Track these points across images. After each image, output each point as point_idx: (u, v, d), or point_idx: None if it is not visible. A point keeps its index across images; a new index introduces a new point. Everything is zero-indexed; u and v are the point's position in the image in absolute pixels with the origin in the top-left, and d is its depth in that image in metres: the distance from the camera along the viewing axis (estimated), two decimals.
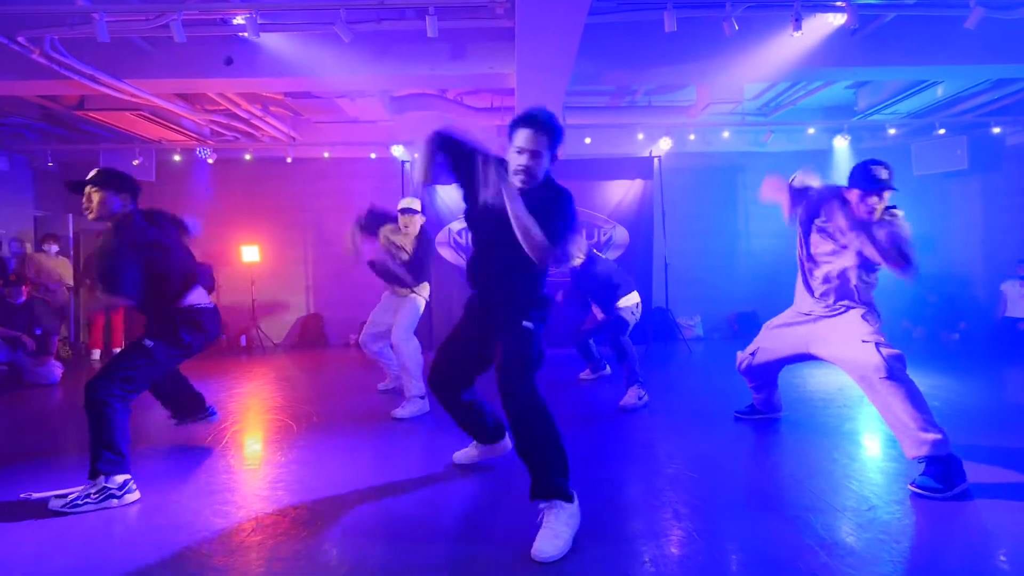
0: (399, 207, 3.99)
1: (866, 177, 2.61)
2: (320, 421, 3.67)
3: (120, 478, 2.35)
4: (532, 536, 1.88)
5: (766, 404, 3.50)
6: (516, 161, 2.07)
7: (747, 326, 7.90)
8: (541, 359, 2.15)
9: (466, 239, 6.93)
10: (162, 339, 2.58)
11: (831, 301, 2.83)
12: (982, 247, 7.69)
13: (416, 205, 3.98)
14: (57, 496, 2.31)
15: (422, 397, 3.75)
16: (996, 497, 2.25)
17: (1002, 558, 1.79)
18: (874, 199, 2.61)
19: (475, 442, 2.73)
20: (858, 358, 2.55)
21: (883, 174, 2.59)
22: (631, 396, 3.89)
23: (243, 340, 7.77)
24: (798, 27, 3.99)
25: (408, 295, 3.99)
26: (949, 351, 6.33)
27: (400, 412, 3.68)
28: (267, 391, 4.80)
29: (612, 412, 3.81)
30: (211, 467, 2.81)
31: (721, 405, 3.90)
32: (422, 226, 4.02)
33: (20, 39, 4.15)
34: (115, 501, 2.32)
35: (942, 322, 7.23)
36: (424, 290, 4.05)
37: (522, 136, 2.06)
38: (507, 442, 2.70)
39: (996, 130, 6.99)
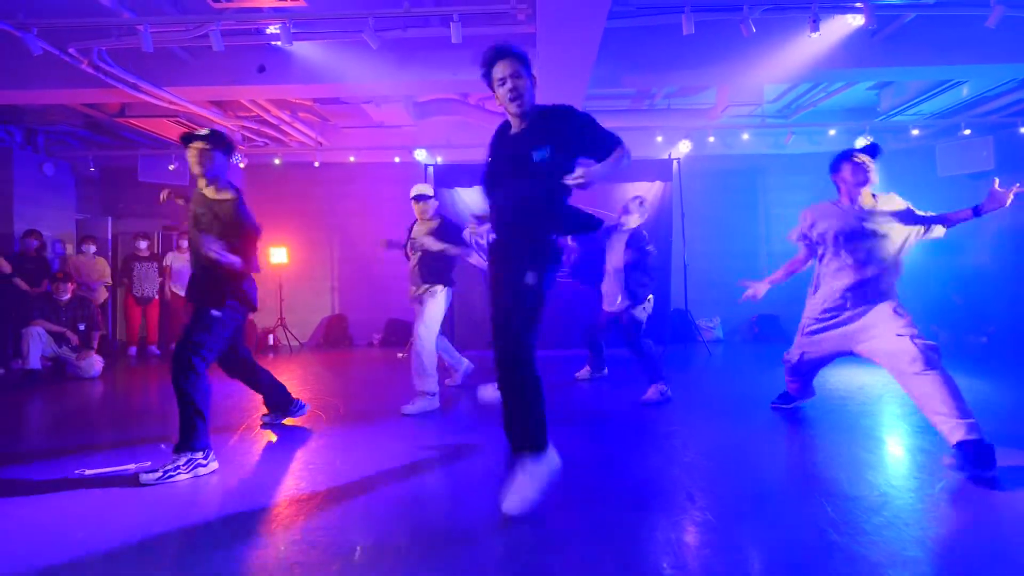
0: (411, 195, 4.13)
1: (846, 152, 3.00)
2: (346, 413, 3.82)
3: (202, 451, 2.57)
4: (548, 516, 1.98)
5: (801, 391, 3.60)
6: (503, 91, 2.18)
7: (768, 328, 7.89)
8: (538, 311, 2.14)
9: (488, 239, 7.04)
10: (225, 306, 2.78)
11: (860, 296, 2.90)
12: (1010, 249, 7.56)
13: (428, 191, 4.13)
14: (147, 471, 2.49)
15: (432, 394, 3.79)
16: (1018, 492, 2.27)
17: None
18: (860, 157, 2.91)
19: None
20: (895, 351, 2.65)
21: (860, 143, 2.84)
22: (653, 392, 3.96)
23: (271, 339, 8.00)
24: (815, 28, 4.04)
25: (424, 291, 3.96)
26: (976, 355, 6.24)
27: (409, 408, 3.72)
28: (295, 386, 4.97)
29: (620, 408, 3.88)
30: (245, 450, 2.96)
31: (739, 403, 3.95)
32: (443, 216, 4.14)
33: (71, 50, 4.42)
34: (202, 470, 2.54)
35: (969, 325, 7.11)
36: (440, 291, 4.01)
37: (498, 68, 2.19)
38: None
39: (1023, 130, 6.89)
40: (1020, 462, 2.58)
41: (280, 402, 3.45)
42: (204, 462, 2.55)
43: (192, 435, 2.53)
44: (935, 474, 2.44)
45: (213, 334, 2.70)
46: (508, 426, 2.13)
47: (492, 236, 2.35)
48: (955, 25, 4.70)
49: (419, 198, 4.08)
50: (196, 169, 2.76)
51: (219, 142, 2.77)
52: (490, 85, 2.24)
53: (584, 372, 4.97)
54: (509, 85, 2.16)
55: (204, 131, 2.78)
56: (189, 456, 2.52)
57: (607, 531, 1.94)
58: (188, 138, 2.77)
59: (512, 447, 2.12)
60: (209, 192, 2.79)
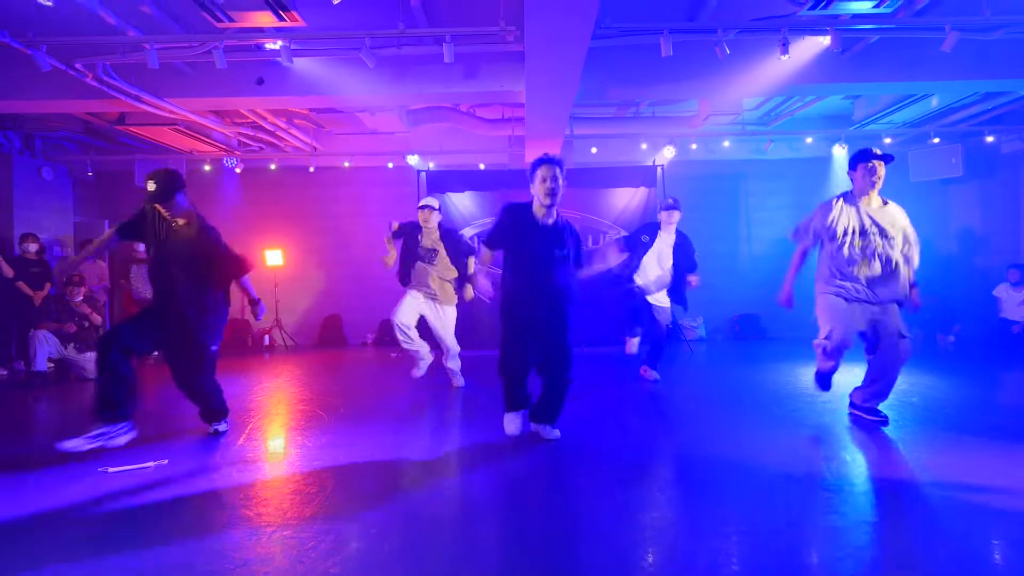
0: (419, 205, 4.64)
1: (864, 153, 3.30)
2: (347, 412, 4.06)
3: None
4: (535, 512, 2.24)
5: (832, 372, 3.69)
6: (544, 187, 3.04)
7: (748, 328, 8.20)
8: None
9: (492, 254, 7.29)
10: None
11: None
12: (977, 251, 7.94)
13: (434, 203, 4.64)
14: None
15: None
16: (986, 494, 2.38)
17: (996, 551, 1.97)
18: (873, 162, 3.24)
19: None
20: (899, 348, 3.38)
21: (877, 151, 3.25)
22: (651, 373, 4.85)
23: (266, 340, 8.21)
24: (785, 51, 4.32)
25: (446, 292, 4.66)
26: (944, 353, 6.58)
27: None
28: (294, 386, 5.20)
29: (621, 411, 4.15)
30: (252, 449, 3.20)
31: (723, 404, 4.22)
32: (442, 225, 4.68)
33: (77, 65, 4.60)
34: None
35: (938, 325, 7.47)
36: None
37: (545, 170, 3.03)
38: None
39: (990, 139, 7.25)
40: (979, 462, 2.88)
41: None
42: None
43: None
44: (890, 467, 2.73)
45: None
46: (546, 407, 3.25)
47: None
48: (917, 46, 5.00)
49: (425, 207, 4.59)
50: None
51: (170, 183, 3.15)
52: (532, 178, 3.09)
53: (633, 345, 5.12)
54: (550, 184, 3.00)
55: (151, 183, 3.11)
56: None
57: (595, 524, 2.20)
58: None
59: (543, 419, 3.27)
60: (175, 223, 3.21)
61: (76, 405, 4.65)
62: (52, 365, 5.92)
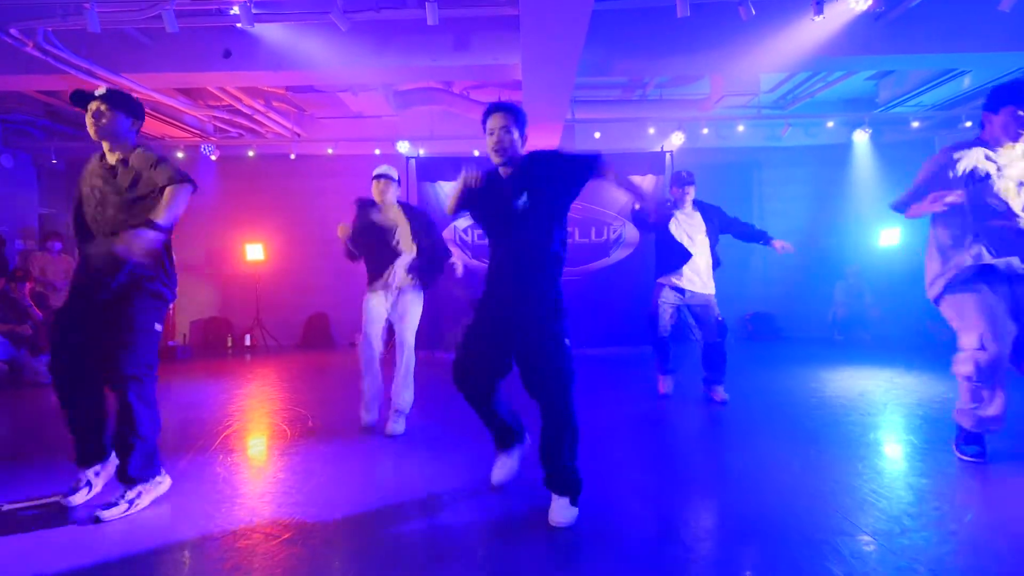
0: (374, 173, 3.45)
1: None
2: (315, 426, 3.53)
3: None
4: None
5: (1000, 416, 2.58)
6: (491, 141, 2.27)
7: (762, 327, 7.67)
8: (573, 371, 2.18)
9: (473, 237, 6.76)
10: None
11: None
12: None
13: (393, 173, 3.45)
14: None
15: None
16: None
17: None
18: None
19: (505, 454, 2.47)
20: None
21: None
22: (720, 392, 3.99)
23: (247, 340, 7.69)
24: (819, 11, 3.77)
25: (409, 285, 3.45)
26: None
27: (395, 428, 3.32)
28: (266, 393, 4.67)
29: (631, 421, 3.63)
30: (203, 472, 2.67)
31: (732, 411, 3.70)
32: (423, 211, 3.63)
33: (12, 31, 4.06)
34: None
35: None
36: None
37: (493, 119, 2.28)
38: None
39: None
40: None
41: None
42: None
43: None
44: (957, 504, 2.20)
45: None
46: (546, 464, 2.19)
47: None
48: (962, 10, 4.46)
49: (380, 177, 3.44)
50: (96, 134, 2.33)
51: (119, 102, 2.35)
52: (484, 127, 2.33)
53: (668, 383, 4.26)
54: (498, 137, 2.26)
55: (101, 89, 2.35)
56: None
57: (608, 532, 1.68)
58: (79, 97, 2.35)
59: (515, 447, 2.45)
60: (113, 157, 2.36)
61: (19, 415, 4.12)
62: (5, 367, 5.41)
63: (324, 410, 3.99)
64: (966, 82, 6.32)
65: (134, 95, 2.49)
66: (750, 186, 7.93)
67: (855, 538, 1.93)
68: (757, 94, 6.81)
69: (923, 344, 6.51)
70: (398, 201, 3.50)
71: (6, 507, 2.29)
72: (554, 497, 2.13)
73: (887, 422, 3.42)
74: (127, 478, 2.24)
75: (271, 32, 4.58)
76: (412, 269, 3.40)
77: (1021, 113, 2.46)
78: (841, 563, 1.76)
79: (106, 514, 2.15)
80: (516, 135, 2.28)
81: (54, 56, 4.38)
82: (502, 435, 2.42)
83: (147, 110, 6.20)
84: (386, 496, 2.39)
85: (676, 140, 7.11)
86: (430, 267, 3.44)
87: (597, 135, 7.30)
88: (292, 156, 7.44)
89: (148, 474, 2.29)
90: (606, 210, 6.86)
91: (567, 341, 2.18)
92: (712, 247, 4.06)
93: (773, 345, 7.00)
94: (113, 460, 2.41)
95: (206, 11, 4.25)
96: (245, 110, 6.42)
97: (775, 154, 7.77)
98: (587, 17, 3.69)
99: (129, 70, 4.83)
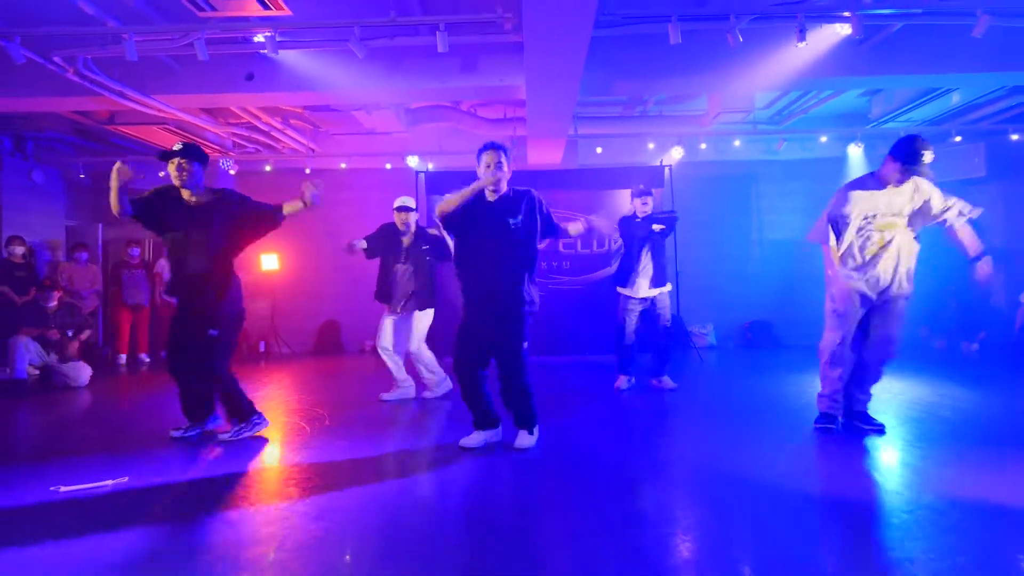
0: (395, 206, 4.32)
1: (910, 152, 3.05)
2: (332, 424, 3.79)
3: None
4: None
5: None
6: (488, 171, 2.96)
7: (761, 335, 7.87)
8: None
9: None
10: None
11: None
12: (1002, 256, 7.56)
13: (411, 203, 4.34)
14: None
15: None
16: (1005, 507, 2.24)
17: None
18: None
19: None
20: None
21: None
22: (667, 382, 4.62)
23: (262, 346, 7.97)
24: (802, 38, 4.04)
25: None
26: (967, 361, 6.23)
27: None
28: (283, 395, 4.94)
29: (633, 418, 3.86)
30: (230, 463, 2.93)
31: (733, 416, 3.92)
32: (424, 228, 4.43)
33: (56, 59, 4.40)
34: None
35: (961, 332, 7.11)
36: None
37: (489, 156, 2.97)
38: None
39: (1014, 137, 6.91)
40: (1000, 473, 2.57)
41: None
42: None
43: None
44: (921, 489, 2.42)
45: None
46: (508, 406, 3.08)
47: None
48: (942, 34, 4.71)
49: (402, 209, 4.29)
50: (178, 181, 3.09)
51: (195, 154, 3.11)
52: (478, 163, 3.03)
53: (624, 382, 4.71)
54: (493, 170, 2.94)
55: (178, 146, 3.04)
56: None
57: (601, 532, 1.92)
58: (166, 155, 3.13)
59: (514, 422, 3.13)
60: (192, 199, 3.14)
61: (46, 416, 4.41)
62: (37, 372, 5.72)
63: (340, 411, 4.24)
64: (954, 99, 6.55)
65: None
66: (748, 199, 8.18)
67: (835, 519, 2.16)
68: (753, 110, 7.08)
69: (915, 350, 6.70)
70: (416, 224, 4.38)
71: (63, 489, 2.56)
72: (520, 432, 3.06)
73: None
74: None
75: (291, 57, 4.89)
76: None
77: (904, 170, 3.06)
78: (829, 549, 1.99)
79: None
80: (506, 167, 2.97)
81: (91, 80, 4.72)
82: (482, 418, 3.10)
83: (171, 127, 6.57)
84: (402, 481, 2.64)
85: (675, 154, 7.37)
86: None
87: (599, 150, 7.58)
88: (307, 170, 7.78)
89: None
90: (598, 219, 7.11)
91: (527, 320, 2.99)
92: (661, 253, 4.55)
93: (770, 353, 7.20)
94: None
95: (232, 39, 4.57)
96: (263, 127, 6.76)
97: (772, 167, 8.03)
98: (586, 43, 3.97)
99: (158, 92, 5.16)
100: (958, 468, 2.71)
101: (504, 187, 3.01)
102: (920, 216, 3.14)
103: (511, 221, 2.93)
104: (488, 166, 2.95)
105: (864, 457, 2.94)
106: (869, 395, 3.34)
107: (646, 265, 4.51)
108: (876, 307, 3.19)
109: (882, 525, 2.10)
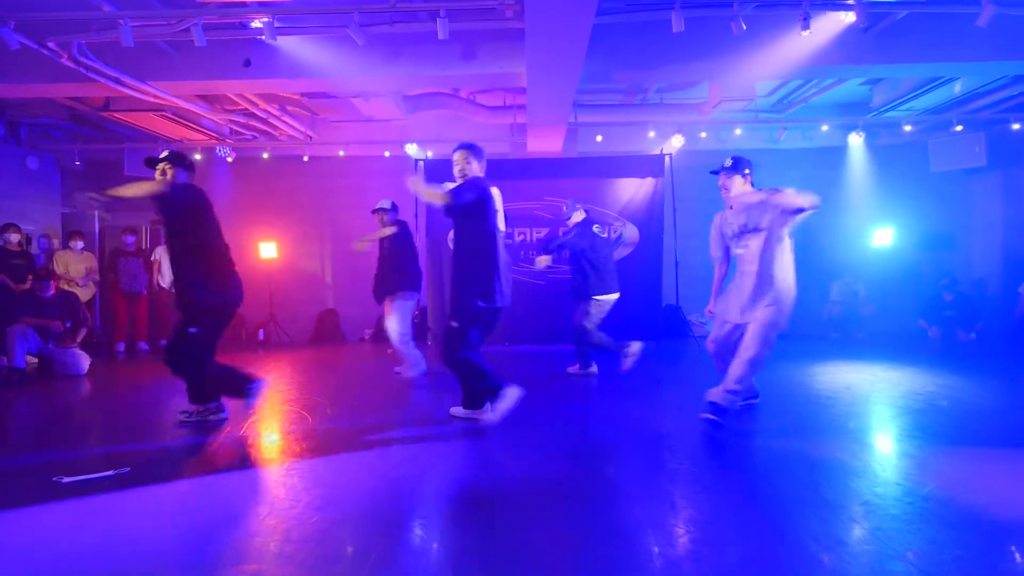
0: (375, 209, 4.87)
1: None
2: (332, 413, 3.80)
3: None
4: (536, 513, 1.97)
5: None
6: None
7: None
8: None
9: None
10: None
11: None
12: (1001, 246, 7.58)
13: (387, 205, 4.86)
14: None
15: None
16: (1004, 498, 2.26)
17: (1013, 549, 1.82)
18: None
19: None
20: None
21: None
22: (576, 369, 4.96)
23: (260, 334, 7.97)
24: (806, 26, 4.00)
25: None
26: (965, 351, 6.27)
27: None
28: (283, 384, 4.94)
29: (611, 409, 3.88)
30: (230, 453, 2.94)
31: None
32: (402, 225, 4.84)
33: (50, 44, 4.34)
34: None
35: (959, 322, 7.13)
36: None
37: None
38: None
39: (1016, 126, 6.89)
40: (996, 463, 2.59)
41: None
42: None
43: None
44: (920, 480, 2.45)
45: None
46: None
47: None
48: (947, 23, 4.67)
49: (379, 211, 4.88)
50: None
51: (179, 161, 3.33)
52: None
53: (574, 368, 5.05)
54: (459, 167, 3.46)
55: (164, 153, 3.28)
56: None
57: (592, 531, 1.93)
58: (151, 161, 3.34)
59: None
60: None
61: (46, 405, 4.41)
62: (35, 361, 5.70)
63: (339, 400, 4.25)
64: (957, 88, 6.53)
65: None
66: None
67: (825, 511, 2.17)
68: (754, 98, 7.03)
69: (914, 341, 6.73)
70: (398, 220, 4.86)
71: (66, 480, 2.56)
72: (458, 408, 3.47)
73: (868, 412, 3.66)
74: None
75: (289, 43, 4.83)
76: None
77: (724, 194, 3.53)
78: (812, 535, 2.01)
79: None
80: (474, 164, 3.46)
81: (86, 66, 4.65)
82: (473, 397, 3.43)
83: (167, 114, 6.50)
84: (407, 469, 2.65)
85: (676, 143, 7.34)
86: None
87: (599, 138, 7.53)
88: (305, 158, 7.72)
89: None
90: (607, 211, 7.10)
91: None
92: (606, 257, 4.88)
93: None
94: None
95: (230, 24, 4.51)
96: (260, 114, 6.70)
97: (773, 156, 7.98)
98: (588, 30, 3.93)
99: (154, 78, 5.09)
100: (957, 458, 2.74)
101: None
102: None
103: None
104: (455, 163, 3.51)
105: (865, 451, 2.97)
106: None
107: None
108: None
109: (880, 516, 2.12)
